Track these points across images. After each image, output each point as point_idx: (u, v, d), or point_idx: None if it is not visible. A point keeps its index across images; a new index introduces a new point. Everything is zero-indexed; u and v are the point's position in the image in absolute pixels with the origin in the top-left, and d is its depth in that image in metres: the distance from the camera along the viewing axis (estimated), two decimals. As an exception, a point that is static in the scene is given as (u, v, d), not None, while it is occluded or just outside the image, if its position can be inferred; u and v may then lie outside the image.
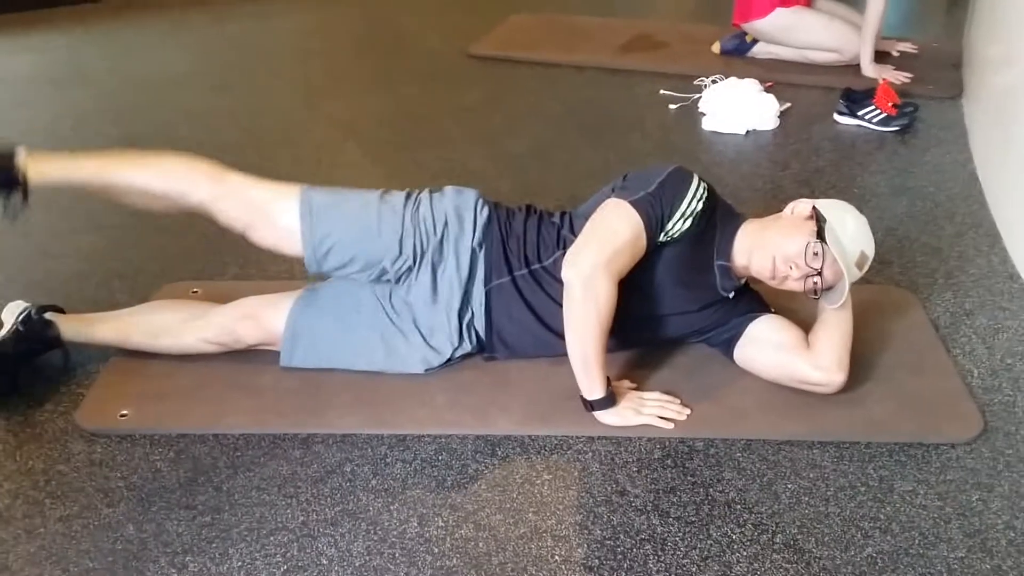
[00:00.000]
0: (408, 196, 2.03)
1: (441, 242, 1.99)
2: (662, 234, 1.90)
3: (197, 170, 1.96)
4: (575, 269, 1.84)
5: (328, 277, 2.06)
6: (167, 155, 1.99)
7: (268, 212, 1.96)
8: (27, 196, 1.90)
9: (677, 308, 2.01)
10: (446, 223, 2.00)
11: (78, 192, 2.01)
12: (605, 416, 1.90)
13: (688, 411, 1.94)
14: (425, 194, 2.05)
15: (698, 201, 1.91)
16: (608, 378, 1.90)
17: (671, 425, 1.91)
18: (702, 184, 1.94)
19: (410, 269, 1.99)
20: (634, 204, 1.88)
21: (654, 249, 1.92)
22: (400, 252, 1.97)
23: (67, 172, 1.96)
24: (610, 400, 1.90)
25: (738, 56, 3.79)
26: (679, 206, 1.89)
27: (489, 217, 2.03)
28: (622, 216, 1.88)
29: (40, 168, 1.92)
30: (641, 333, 2.05)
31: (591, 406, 1.90)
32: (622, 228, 1.87)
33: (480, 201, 2.05)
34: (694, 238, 1.94)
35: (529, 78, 3.70)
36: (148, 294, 2.31)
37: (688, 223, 1.91)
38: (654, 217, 1.88)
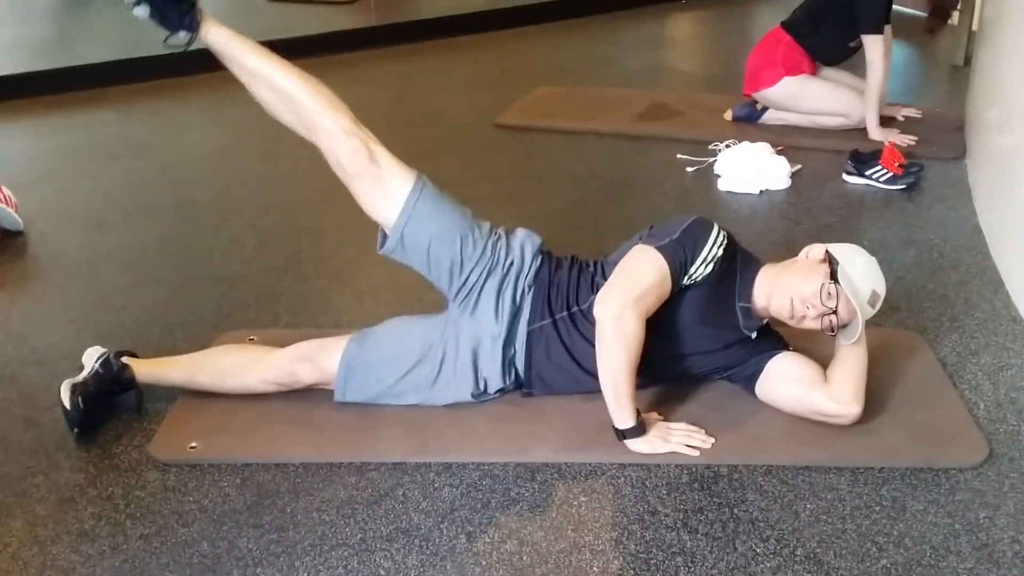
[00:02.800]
0: (492, 225, 2.23)
1: (505, 275, 2.17)
2: (686, 277, 2.08)
3: (338, 107, 2.11)
4: (605, 306, 2.02)
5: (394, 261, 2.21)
6: (320, 84, 2.14)
7: (385, 173, 2.11)
8: (194, 37, 2.09)
9: (701, 347, 2.18)
10: (513, 260, 2.19)
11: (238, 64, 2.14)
12: (635, 444, 2.06)
13: (712, 440, 2.09)
14: (502, 230, 2.25)
15: (718, 247, 2.10)
16: (638, 410, 2.07)
17: (697, 452, 2.06)
18: (722, 232, 2.13)
19: (470, 292, 2.16)
20: (660, 249, 2.06)
21: (679, 291, 2.10)
22: (472, 267, 2.15)
23: (240, 44, 2.13)
24: (640, 429, 2.06)
25: (750, 123, 4.01)
26: (701, 251, 2.08)
27: (542, 262, 2.22)
28: (649, 260, 2.06)
29: (216, 31, 2.11)
30: (668, 370, 2.21)
31: (623, 435, 2.06)
32: (649, 271, 2.06)
33: (542, 246, 2.25)
34: (715, 282, 2.11)
35: (552, 145, 3.93)
36: (207, 342, 2.49)
37: (710, 268, 2.09)
38: (679, 261, 2.06)
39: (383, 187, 2.12)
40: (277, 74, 2.13)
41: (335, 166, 2.14)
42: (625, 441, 2.06)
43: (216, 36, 2.13)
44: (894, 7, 3.76)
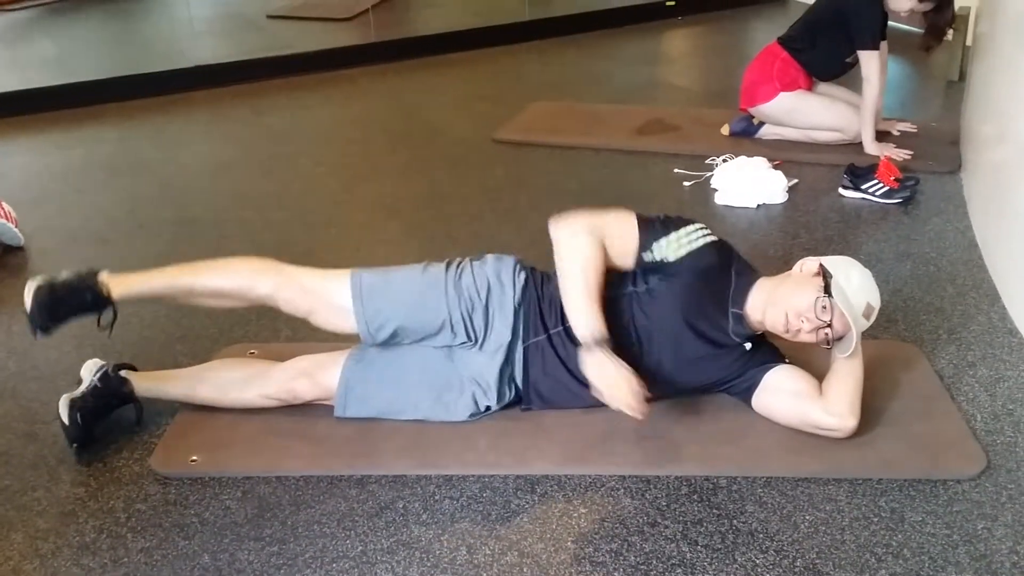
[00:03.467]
0: (448, 265, 2.23)
1: (487, 305, 2.18)
2: (654, 248, 2.11)
3: (257, 267, 2.21)
4: (558, 225, 2.12)
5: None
6: (230, 259, 2.24)
7: (324, 294, 2.17)
8: (115, 312, 2.18)
9: (694, 351, 2.17)
10: (489, 288, 2.20)
11: (157, 301, 2.24)
12: (588, 359, 2.02)
13: (646, 411, 1.99)
14: (467, 262, 2.25)
15: (699, 238, 2.13)
16: (608, 337, 2.03)
17: (637, 416, 1.98)
18: (706, 229, 2.16)
19: (462, 327, 2.17)
20: (636, 214, 2.14)
21: (668, 283, 2.12)
22: (449, 317, 2.16)
23: (145, 284, 2.23)
24: (600, 343, 2.01)
25: (746, 137, 4.04)
26: (675, 231, 2.13)
27: (526, 280, 2.23)
28: (619, 213, 2.15)
29: (121, 286, 2.19)
30: (664, 379, 2.20)
31: (584, 342, 2.03)
32: (613, 215, 2.14)
33: (518, 265, 2.26)
34: (704, 278, 2.12)
35: (550, 160, 3.95)
36: (208, 356, 2.50)
37: (683, 252, 2.11)
38: (649, 228, 2.12)
39: (330, 305, 2.17)
40: (198, 282, 2.23)
41: (291, 314, 2.20)
42: (582, 350, 2.03)
43: (126, 291, 2.20)
44: (889, 23, 3.79)
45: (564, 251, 2.10)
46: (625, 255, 2.13)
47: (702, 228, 2.16)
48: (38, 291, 2.15)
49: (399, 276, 2.21)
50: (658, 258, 2.12)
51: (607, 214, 2.15)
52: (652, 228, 2.12)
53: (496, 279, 2.22)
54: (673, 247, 2.11)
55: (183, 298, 2.27)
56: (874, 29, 3.69)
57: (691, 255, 2.12)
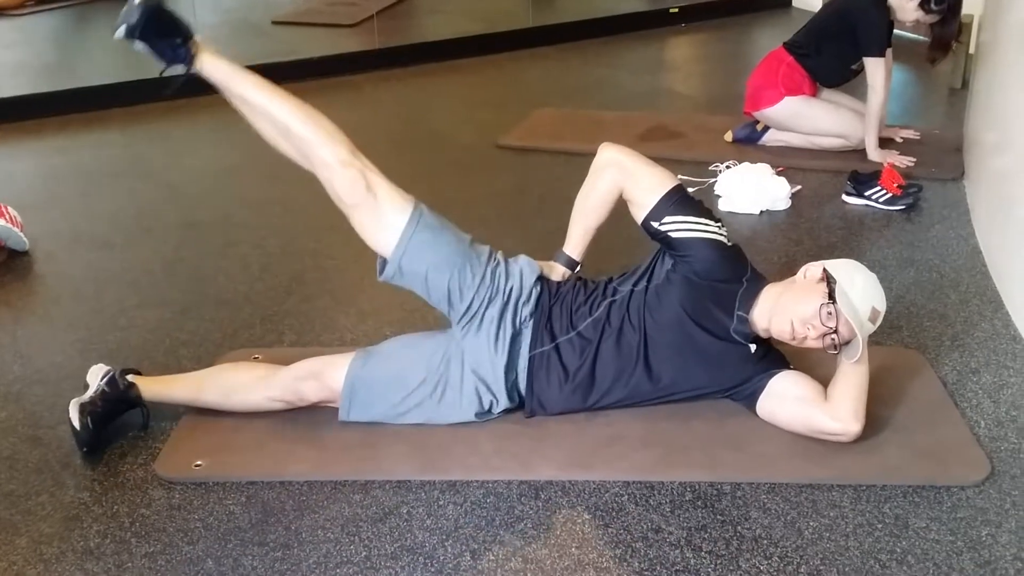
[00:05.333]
0: (491, 252, 2.26)
1: (506, 302, 2.19)
2: (665, 220, 2.15)
3: (339, 136, 2.15)
4: (604, 148, 2.28)
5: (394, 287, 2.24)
6: (319, 113, 2.18)
7: (382, 203, 2.13)
8: (190, 69, 2.11)
9: (698, 352, 2.17)
10: (513, 286, 2.21)
11: (236, 96, 2.18)
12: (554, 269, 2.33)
13: None
14: (500, 254, 2.27)
15: (712, 232, 2.15)
16: (579, 263, 2.34)
17: None
18: (723, 229, 2.19)
19: (472, 317, 2.17)
20: (674, 185, 2.20)
21: (668, 284, 2.16)
22: (473, 295, 2.16)
23: (236, 76, 2.16)
24: (564, 263, 2.34)
25: (750, 144, 4.04)
26: (693, 216, 2.15)
27: (542, 289, 2.24)
28: (661, 173, 2.22)
29: (212, 63, 2.13)
30: (669, 382, 2.20)
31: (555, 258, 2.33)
32: (652, 171, 2.22)
33: (540, 275, 2.27)
34: (711, 281, 2.14)
35: (554, 166, 3.95)
36: (212, 361, 2.51)
37: (687, 235, 2.13)
38: (672, 201, 2.16)
39: (380, 217, 2.14)
40: (275, 106, 2.15)
41: (334, 197, 2.17)
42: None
43: (213, 68, 2.16)
44: (895, 31, 3.80)
45: (589, 178, 2.29)
46: (639, 207, 2.19)
47: (720, 226, 2.18)
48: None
49: (451, 236, 2.20)
50: (663, 231, 2.14)
51: (650, 166, 2.22)
52: (673, 202, 2.16)
53: (519, 280, 2.23)
54: (681, 227, 2.13)
55: (256, 109, 2.17)
56: (880, 37, 3.70)
57: (695, 244, 2.12)
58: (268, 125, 2.18)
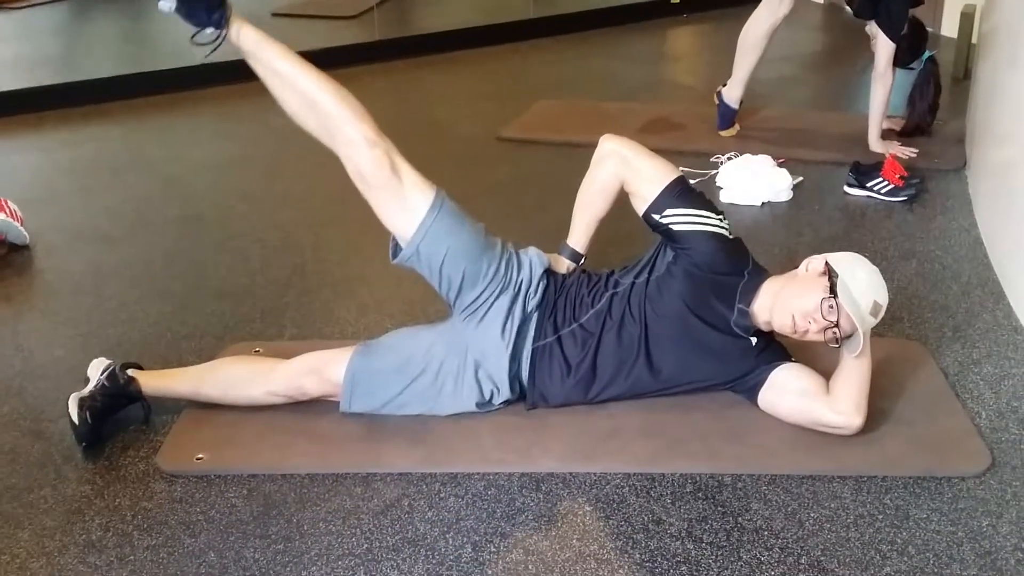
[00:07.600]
0: (504, 245, 2.26)
1: (516, 293, 2.19)
2: (666, 212, 2.15)
3: (366, 117, 2.14)
4: (606, 139, 2.29)
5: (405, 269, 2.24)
6: (347, 91, 2.16)
7: (405, 186, 2.12)
8: (222, 34, 2.07)
9: (698, 344, 2.17)
10: (523, 278, 2.21)
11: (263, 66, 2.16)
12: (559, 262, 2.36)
13: None
14: (512, 245, 2.28)
15: (716, 224, 2.16)
16: (583, 255, 2.37)
17: None
18: (726, 223, 2.18)
19: (479, 307, 2.18)
20: (677, 177, 2.21)
21: (669, 276, 2.16)
22: (486, 285, 2.16)
23: (266, 44, 2.15)
24: (567, 254, 2.37)
25: (730, 123, 4.02)
26: (694, 208, 2.15)
27: (547, 284, 2.24)
28: (663, 165, 2.23)
29: (244, 29, 2.12)
30: (670, 374, 2.20)
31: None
32: (654, 163, 2.22)
33: (548, 268, 2.27)
34: (712, 274, 2.14)
35: (555, 157, 3.95)
36: (213, 354, 2.50)
37: (689, 228, 2.13)
38: (674, 194, 2.16)
39: (402, 200, 2.13)
40: (304, 79, 2.13)
41: (355, 176, 2.15)
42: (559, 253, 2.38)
43: (246, 36, 2.13)
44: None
45: (590, 170, 2.32)
46: (641, 199, 2.19)
47: (722, 219, 2.17)
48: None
49: (470, 227, 2.20)
50: (664, 223, 2.14)
51: (651, 157, 2.23)
52: (675, 194, 2.16)
53: (528, 272, 2.23)
54: (682, 220, 2.12)
55: (285, 79, 2.15)
56: (900, 22, 3.65)
57: (696, 236, 2.12)
58: (295, 97, 2.16)
